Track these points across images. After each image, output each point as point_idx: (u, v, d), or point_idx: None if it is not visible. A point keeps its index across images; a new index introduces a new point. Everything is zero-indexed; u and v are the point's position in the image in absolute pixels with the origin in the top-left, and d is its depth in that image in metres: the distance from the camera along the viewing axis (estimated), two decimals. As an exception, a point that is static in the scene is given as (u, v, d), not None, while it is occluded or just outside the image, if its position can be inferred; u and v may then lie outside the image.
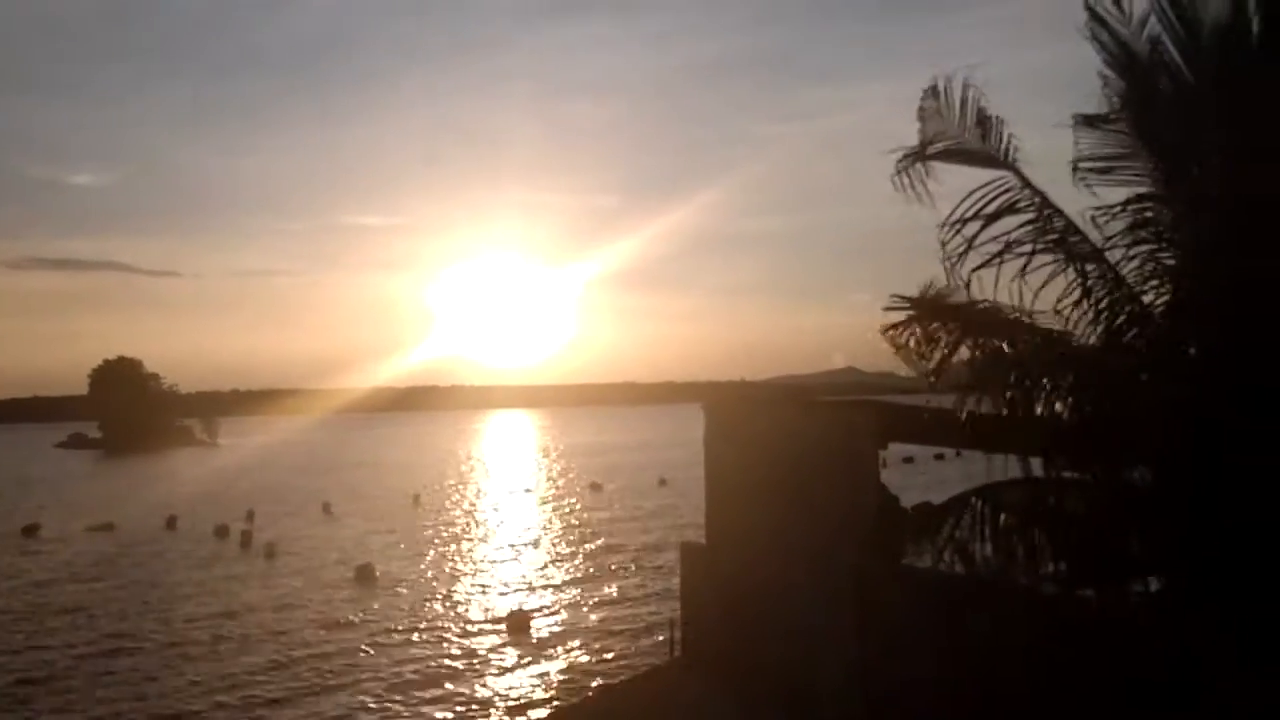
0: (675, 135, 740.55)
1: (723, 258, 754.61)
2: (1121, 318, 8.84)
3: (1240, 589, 8.05)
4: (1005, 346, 9.10)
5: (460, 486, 79.85)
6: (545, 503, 66.75)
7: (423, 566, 42.17)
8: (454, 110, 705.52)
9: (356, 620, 32.06)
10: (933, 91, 9.47)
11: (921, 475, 48.95)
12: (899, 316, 9.35)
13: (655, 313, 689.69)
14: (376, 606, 34.08)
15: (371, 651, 28.31)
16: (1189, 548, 8.46)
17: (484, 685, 25.35)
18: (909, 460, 63.22)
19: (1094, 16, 9.19)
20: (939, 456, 60.62)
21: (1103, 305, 8.84)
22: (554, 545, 47.69)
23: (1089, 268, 8.84)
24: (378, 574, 39.49)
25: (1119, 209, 8.93)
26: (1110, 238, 8.94)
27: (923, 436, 15.25)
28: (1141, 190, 9.08)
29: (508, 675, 26.26)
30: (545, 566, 42.12)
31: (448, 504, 66.39)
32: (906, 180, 9.47)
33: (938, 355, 9.26)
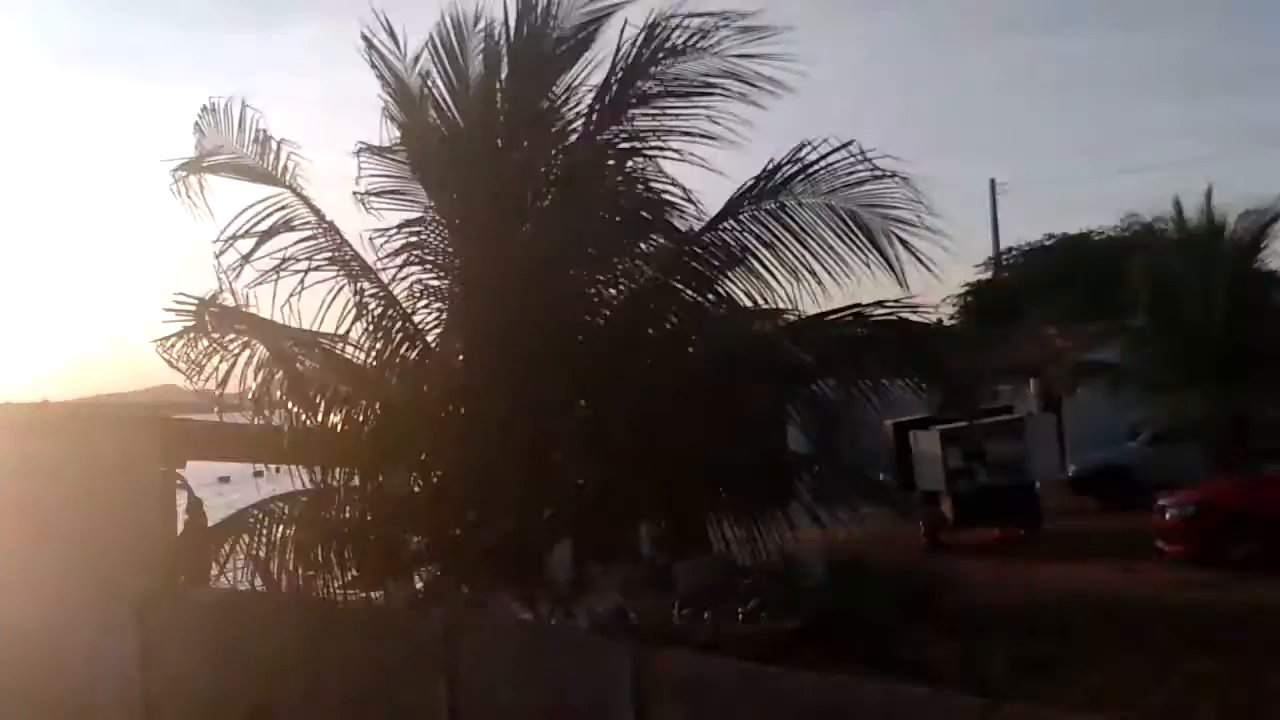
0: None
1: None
2: (396, 335, 9.33)
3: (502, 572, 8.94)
4: (292, 362, 9.13)
5: None
6: None
7: None
8: None
9: None
10: (210, 108, 9.33)
11: (237, 493, 47.47)
12: (176, 329, 8.90)
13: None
14: None
15: None
16: (457, 542, 9.20)
17: None
18: (225, 479, 60.75)
19: (370, 46, 9.55)
20: (259, 473, 59.06)
21: (379, 323, 9.24)
22: None
23: (365, 286, 9.20)
24: None
25: (394, 231, 9.40)
26: (383, 258, 9.36)
27: (224, 453, 14.77)
28: (413, 215, 9.66)
29: None
30: None
31: None
32: (184, 191, 9.20)
33: (219, 369, 9.02)
